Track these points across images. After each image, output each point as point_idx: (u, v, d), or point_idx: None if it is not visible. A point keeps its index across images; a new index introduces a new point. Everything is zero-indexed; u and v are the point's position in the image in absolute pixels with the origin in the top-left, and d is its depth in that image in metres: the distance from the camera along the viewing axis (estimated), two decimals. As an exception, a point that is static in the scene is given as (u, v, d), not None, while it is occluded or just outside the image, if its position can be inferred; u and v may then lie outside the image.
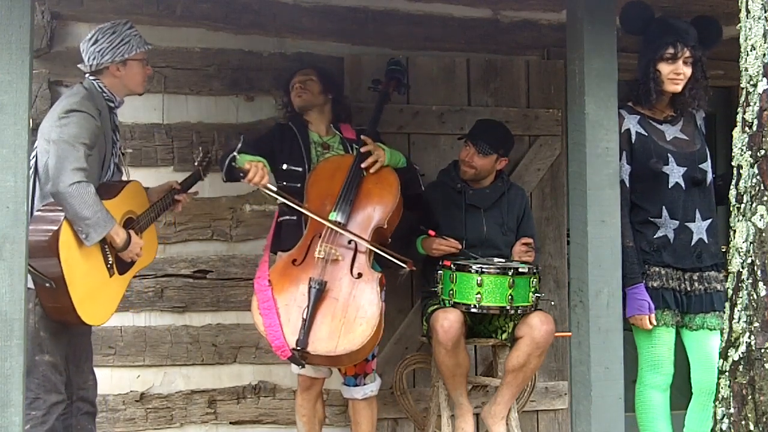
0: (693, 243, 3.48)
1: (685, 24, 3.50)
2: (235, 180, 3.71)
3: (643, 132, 3.49)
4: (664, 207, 3.48)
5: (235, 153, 3.66)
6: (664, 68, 3.46)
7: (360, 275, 3.55)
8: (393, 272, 3.86)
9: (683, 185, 3.47)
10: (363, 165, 3.77)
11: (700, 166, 3.51)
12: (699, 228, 3.49)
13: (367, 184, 3.76)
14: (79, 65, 3.47)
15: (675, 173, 3.47)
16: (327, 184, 3.75)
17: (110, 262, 3.31)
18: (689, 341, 3.48)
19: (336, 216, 3.65)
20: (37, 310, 3.21)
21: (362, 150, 3.80)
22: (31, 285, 3.16)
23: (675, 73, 3.45)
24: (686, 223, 3.48)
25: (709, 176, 3.54)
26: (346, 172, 3.74)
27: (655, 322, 3.40)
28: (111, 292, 3.34)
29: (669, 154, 3.47)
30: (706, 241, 3.50)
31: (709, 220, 3.51)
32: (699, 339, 3.45)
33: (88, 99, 3.32)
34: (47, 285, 3.11)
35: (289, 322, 3.45)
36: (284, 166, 3.86)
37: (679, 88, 3.47)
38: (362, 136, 3.86)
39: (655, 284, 3.44)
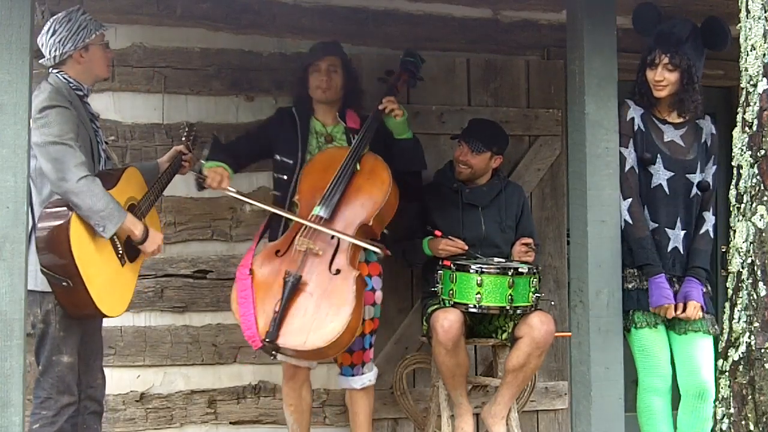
0: (669, 249, 3.44)
1: (675, 28, 3.43)
2: (203, 188, 3.73)
3: (642, 128, 3.46)
4: (645, 206, 3.44)
5: (202, 161, 3.71)
6: (648, 74, 3.44)
7: (338, 271, 3.51)
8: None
9: (667, 190, 3.44)
10: (380, 107, 3.76)
11: (686, 175, 3.46)
12: (677, 237, 3.45)
13: (359, 179, 3.70)
14: (41, 61, 3.38)
15: (660, 174, 3.44)
16: (319, 176, 3.70)
17: (120, 252, 3.30)
18: (675, 344, 3.44)
19: (320, 210, 3.60)
20: (57, 310, 3.20)
21: (384, 102, 3.77)
22: (47, 288, 3.17)
23: (655, 80, 3.42)
24: (666, 229, 3.44)
25: (695, 188, 3.48)
26: (339, 165, 3.69)
27: (674, 313, 3.36)
28: (126, 281, 3.36)
29: (659, 155, 3.45)
30: (681, 251, 3.46)
31: (685, 232, 3.47)
32: (685, 342, 3.42)
33: (57, 93, 3.26)
34: (64, 284, 3.10)
35: (263, 313, 3.44)
36: (277, 157, 3.83)
37: (662, 93, 3.44)
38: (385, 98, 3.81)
39: (629, 286, 3.40)
